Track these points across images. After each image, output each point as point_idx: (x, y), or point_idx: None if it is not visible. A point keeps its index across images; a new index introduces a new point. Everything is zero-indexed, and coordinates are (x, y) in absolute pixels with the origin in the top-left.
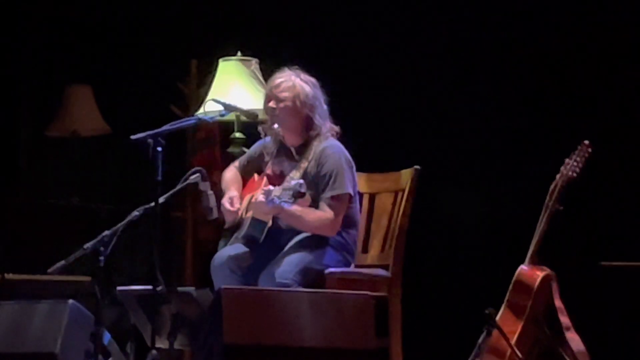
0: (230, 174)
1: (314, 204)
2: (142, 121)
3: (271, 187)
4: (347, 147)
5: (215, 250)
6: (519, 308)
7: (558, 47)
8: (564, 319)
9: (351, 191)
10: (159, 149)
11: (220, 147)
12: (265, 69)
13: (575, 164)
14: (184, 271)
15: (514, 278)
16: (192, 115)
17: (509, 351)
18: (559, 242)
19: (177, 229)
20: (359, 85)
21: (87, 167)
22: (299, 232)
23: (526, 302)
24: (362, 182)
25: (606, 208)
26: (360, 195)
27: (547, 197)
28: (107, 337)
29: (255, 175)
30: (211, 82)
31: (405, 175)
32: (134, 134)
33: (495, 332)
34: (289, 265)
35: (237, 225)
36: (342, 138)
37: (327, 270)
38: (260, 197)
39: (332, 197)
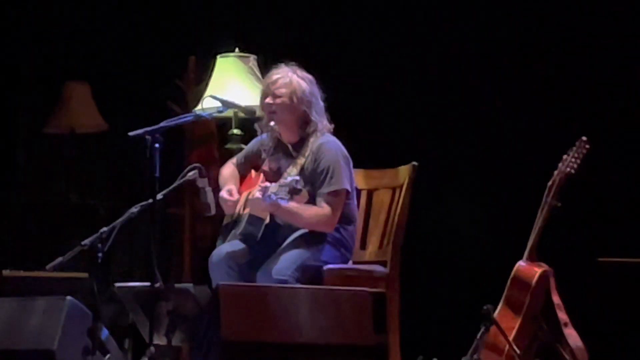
0: (228, 171)
1: (311, 201)
2: (140, 118)
3: (268, 184)
4: (345, 144)
5: (213, 247)
6: (517, 304)
7: (555, 43)
8: (562, 315)
9: (348, 187)
10: (157, 145)
11: (218, 144)
12: (263, 65)
13: (573, 160)
14: (181, 268)
15: (512, 274)
16: (190, 112)
17: (506, 347)
18: (557, 239)
19: (175, 226)
20: (356, 82)
21: (85, 164)
22: (296, 229)
23: (524, 298)
24: (360, 179)
25: (604, 204)
26: (358, 191)
27: (545, 194)
28: (105, 333)
29: (253, 172)
30: (209, 78)
31: (403, 172)
32: (132, 130)
33: (493, 328)
34: (286, 261)
35: (234, 222)
36: (340, 134)
37: (325, 267)
38: (257, 194)
39: (329, 193)
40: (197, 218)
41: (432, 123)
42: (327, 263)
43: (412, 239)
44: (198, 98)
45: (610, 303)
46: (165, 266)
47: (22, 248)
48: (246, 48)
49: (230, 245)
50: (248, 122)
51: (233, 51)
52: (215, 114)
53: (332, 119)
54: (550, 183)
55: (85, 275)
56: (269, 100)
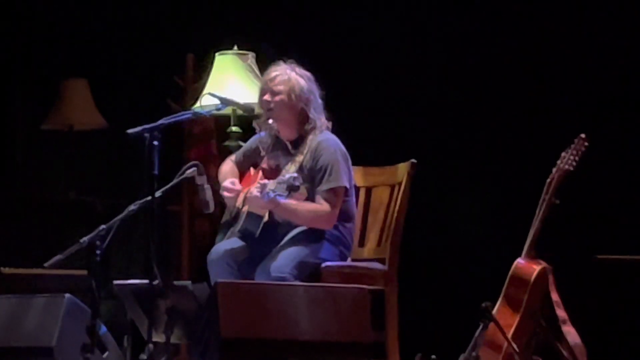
0: (227, 167)
1: (310, 198)
2: (139, 115)
3: (266, 181)
4: (343, 141)
5: (211, 244)
6: (515, 302)
7: (554, 40)
8: (561, 313)
9: (347, 184)
10: (156, 143)
11: (217, 141)
12: (262, 62)
13: (571, 157)
14: (180, 265)
15: (511, 272)
16: (189, 109)
17: (505, 345)
18: (555, 236)
19: (173, 223)
20: (355, 79)
21: (84, 161)
22: (295, 226)
23: (523, 295)
24: (358, 176)
25: (602, 202)
26: (357, 188)
27: (544, 191)
28: (103, 330)
29: (252, 169)
30: (208, 76)
31: (402, 169)
32: (131, 128)
33: (491, 326)
34: (285, 259)
35: (233, 219)
36: (339, 132)
37: (323, 264)
38: (255, 192)
39: (328, 190)
40: (195, 215)
41: (430, 120)
42: (325, 260)
43: (411, 236)
44: (197, 95)
45: (609, 300)
46: (163, 264)
47: (20, 245)
48: (245, 45)
49: (228, 243)
50: (247, 120)
51: (232, 48)
52: (213, 112)
53: (330, 116)
54: (549, 180)
55: (83, 272)
56: (267, 97)
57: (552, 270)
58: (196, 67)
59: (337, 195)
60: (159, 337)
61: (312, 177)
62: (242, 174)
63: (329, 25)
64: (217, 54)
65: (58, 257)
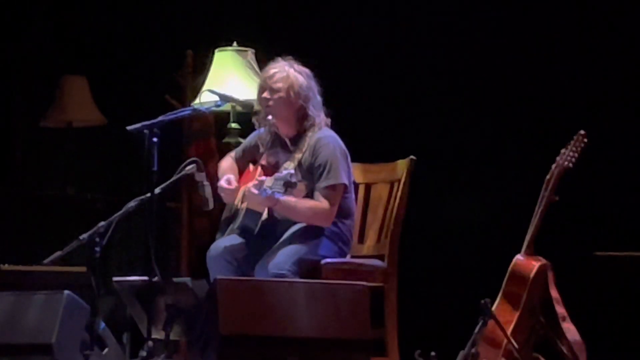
0: (227, 164)
1: (310, 195)
2: (138, 112)
3: (264, 178)
4: (342, 138)
5: (211, 241)
6: (514, 298)
7: (553, 37)
8: (560, 309)
9: (346, 181)
10: (155, 139)
11: (216, 138)
12: (261, 59)
13: (571, 154)
14: (179, 262)
15: (510, 268)
16: (188, 106)
17: (504, 341)
18: (554, 232)
19: (172, 220)
20: (354, 76)
21: (83, 158)
22: (294, 223)
23: (522, 292)
24: (357, 173)
25: (601, 198)
26: (356, 185)
27: (543, 188)
28: (102, 327)
29: (251, 166)
30: (207, 72)
31: (401, 166)
32: (130, 124)
33: (491, 323)
34: (284, 256)
35: (232, 216)
36: (338, 128)
37: (322, 261)
38: (253, 189)
39: (327, 187)
40: (195, 212)
41: (430, 117)
42: (325, 257)
43: (410, 233)
44: (196, 92)
45: (608, 297)
46: (163, 260)
47: (19, 242)
48: (244, 42)
49: (228, 240)
50: (246, 116)
51: (231, 45)
52: (213, 108)
53: (329, 113)
54: (548, 177)
55: (83, 269)
56: (266, 94)
57: (551, 267)
58: (195, 63)
59: (336, 192)
60: (158, 334)
61: (311, 174)
62: (241, 171)
63: (328, 21)
64: (216, 50)
65: (57, 253)
